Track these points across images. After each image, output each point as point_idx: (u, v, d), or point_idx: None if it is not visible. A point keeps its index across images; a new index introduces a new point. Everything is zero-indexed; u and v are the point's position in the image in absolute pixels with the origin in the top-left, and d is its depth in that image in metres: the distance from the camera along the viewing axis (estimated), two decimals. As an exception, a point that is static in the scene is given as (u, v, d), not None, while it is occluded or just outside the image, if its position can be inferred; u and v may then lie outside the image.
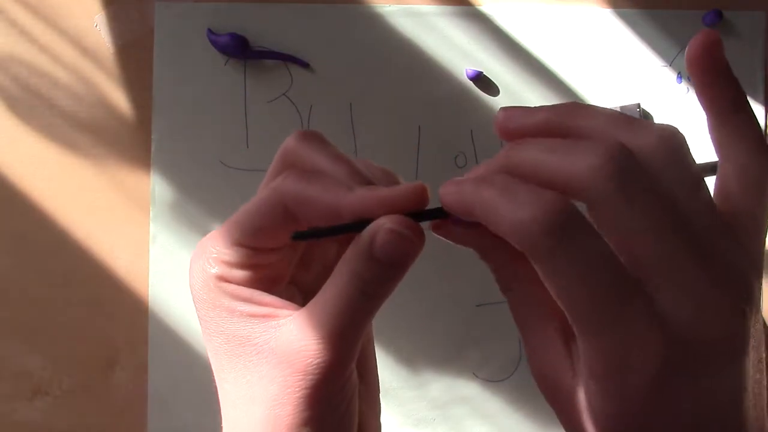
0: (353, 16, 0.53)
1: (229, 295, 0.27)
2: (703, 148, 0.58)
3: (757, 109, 0.54)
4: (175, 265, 0.52)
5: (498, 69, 0.54)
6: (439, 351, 0.53)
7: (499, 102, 0.54)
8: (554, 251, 0.21)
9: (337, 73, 0.53)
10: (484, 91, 0.54)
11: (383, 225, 0.24)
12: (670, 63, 0.54)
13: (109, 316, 0.52)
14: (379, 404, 0.30)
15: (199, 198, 0.53)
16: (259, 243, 0.27)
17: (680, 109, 0.54)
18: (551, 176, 0.22)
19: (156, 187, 0.52)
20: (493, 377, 0.54)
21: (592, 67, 0.54)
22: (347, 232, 0.26)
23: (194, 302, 0.28)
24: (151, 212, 0.52)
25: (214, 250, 0.27)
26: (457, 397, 0.53)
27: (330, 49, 0.53)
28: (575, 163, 0.21)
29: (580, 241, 0.21)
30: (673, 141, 0.23)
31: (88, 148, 0.52)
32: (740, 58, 0.55)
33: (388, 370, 0.53)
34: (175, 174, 0.53)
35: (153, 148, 0.52)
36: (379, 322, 0.54)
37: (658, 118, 0.54)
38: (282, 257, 0.28)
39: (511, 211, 0.21)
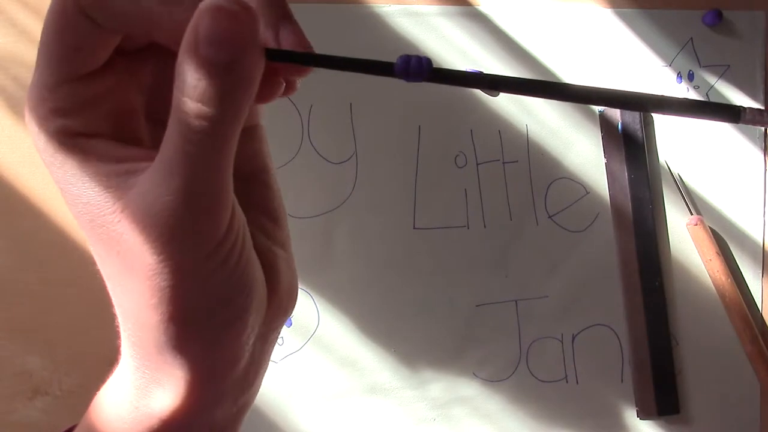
0: (353, 16, 0.53)
1: (73, 150, 0.21)
2: (703, 148, 0.58)
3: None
4: (175, 265, 0.52)
5: (498, 69, 0.54)
6: (439, 351, 0.53)
7: (499, 102, 0.54)
8: None
9: (337, 73, 0.53)
10: (484, 91, 0.54)
11: (201, 6, 0.19)
12: (670, 63, 0.54)
13: (109, 316, 0.52)
14: (289, 236, 0.26)
15: (199, 198, 0.53)
16: (81, 66, 0.22)
17: (680, 109, 0.54)
18: None
19: (156, 187, 0.52)
20: (493, 377, 0.54)
21: (592, 67, 0.54)
22: (346, 68, 0.22)
23: (47, 168, 0.23)
24: (151, 212, 0.52)
25: (41, 100, 0.22)
26: (457, 397, 0.53)
27: (330, 49, 0.53)
28: None
29: None
30: None
31: (88, 148, 0.52)
32: (740, 58, 0.55)
33: (388, 370, 0.53)
34: (175, 174, 0.53)
35: (153, 148, 0.52)
36: (379, 322, 0.54)
37: (658, 119, 0.54)
38: (119, 81, 0.23)
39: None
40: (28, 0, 0.52)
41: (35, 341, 0.52)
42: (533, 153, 0.54)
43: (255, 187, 0.25)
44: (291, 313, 0.26)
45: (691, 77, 0.54)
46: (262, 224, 0.25)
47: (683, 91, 0.54)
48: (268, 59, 0.20)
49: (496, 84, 0.23)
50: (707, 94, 0.54)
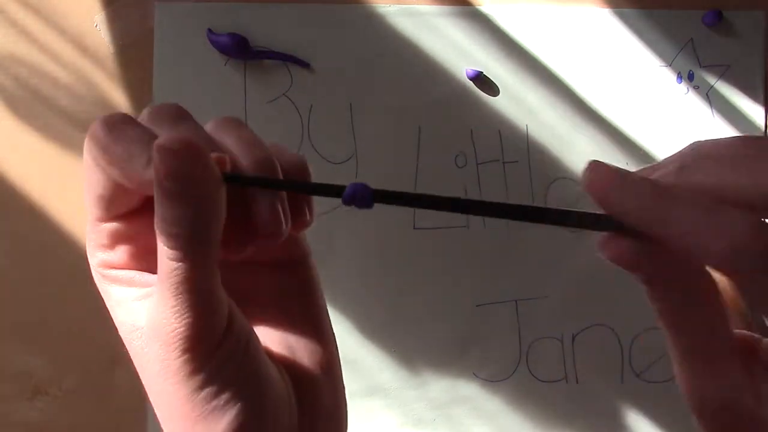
0: (353, 16, 0.53)
1: (110, 280, 0.27)
2: (703, 148, 0.57)
3: (757, 109, 0.54)
4: (175, 265, 0.52)
5: (498, 69, 0.54)
6: (439, 351, 0.53)
7: (499, 102, 0.54)
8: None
9: (337, 73, 0.53)
10: (484, 91, 0.54)
11: (154, 148, 0.22)
12: (670, 63, 0.54)
13: (109, 316, 0.52)
14: (337, 364, 0.28)
15: (199, 198, 0.53)
16: (112, 209, 0.26)
17: (680, 109, 0.54)
18: (737, 194, 0.21)
19: (156, 187, 0.52)
20: (493, 377, 0.54)
21: (591, 67, 0.54)
22: (285, 188, 0.26)
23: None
24: (151, 212, 0.52)
25: (91, 237, 0.26)
26: (457, 397, 0.53)
27: (330, 49, 0.53)
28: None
29: None
30: None
31: (88, 148, 0.52)
32: (740, 58, 0.55)
33: (388, 370, 0.53)
34: (175, 174, 0.53)
35: (153, 148, 0.53)
36: (379, 322, 0.54)
37: (658, 118, 0.54)
38: (149, 224, 0.26)
39: (723, 234, 0.20)
40: (28, 0, 0.52)
41: (35, 341, 0.52)
42: (533, 153, 0.54)
43: (302, 313, 0.28)
44: None
45: (691, 77, 0.54)
46: (305, 345, 0.28)
47: (683, 91, 0.54)
48: (227, 182, 0.24)
49: (439, 204, 0.23)
50: (707, 94, 0.54)
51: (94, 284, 0.52)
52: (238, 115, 0.53)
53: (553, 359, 0.54)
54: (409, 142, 0.53)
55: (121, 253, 0.27)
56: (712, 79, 0.55)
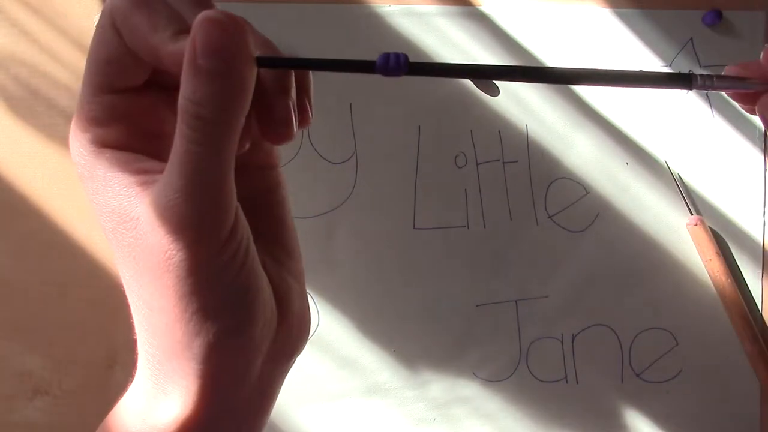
0: (353, 16, 0.53)
1: (106, 161, 0.24)
2: (702, 148, 0.58)
3: (757, 109, 0.54)
4: (175, 265, 0.52)
5: (498, 69, 0.54)
6: (439, 351, 0.53)
7: (499, 102, 0.54)
8: None
9: (337, 74, 0.53)
10: (484, 91, 0.54)
11: (196, 20, 0.21)
12: (670, 63, 0.54)
13: (109, 316, 0.52)
14: (302, 271, 0.28)
15: (199, 198, 0.53)
16: (116, 79, 0.24)
17: (680, 109, 0.54)
18: None
19: (156, 187, 0.52)
20: (493, 377, 0.54)
21: (591, 67, 0.54)
22: (323, 68, 0.25)
23: (80, 180, 0.25)
24: (151, 212, 0.52)
25: (83, 111, 0.24)
26: (457, 397, 0.53)
27: (330, 49, 0.53)
28: None
29: None
30: None
31: (88, 148, 0.52)
32: (740, 58, 0.54)
33: (388, 370, 0.53)
34: (175, 174, 0.53)
35: (153, 148, 0.52)
36: (379, 322, 0.54)
37: (658, 119, 0.54)
38: (153, 105, 0.25)
39: None
40: (28, 0, 0.52)
41: (35, 341, 0.52)
42: (533, 153, 0.54)
43: (270, 221, 0.27)
44: (303, 346, 0.28)
45: (691, 77, 0.54)
46: (276, 254, 0.27)
47: (683, 91, 0.54)
48: (259, 66, 0.23)
49: (475, 73, 0.27)
50: (707, 94, 0.54)
51: (94, 284, 0.52)
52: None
53: (553, 359, 0.54)
54: (409, 142, 0.53)
55: (118, 131, 0.24)
56: (712, 79, 0.55)
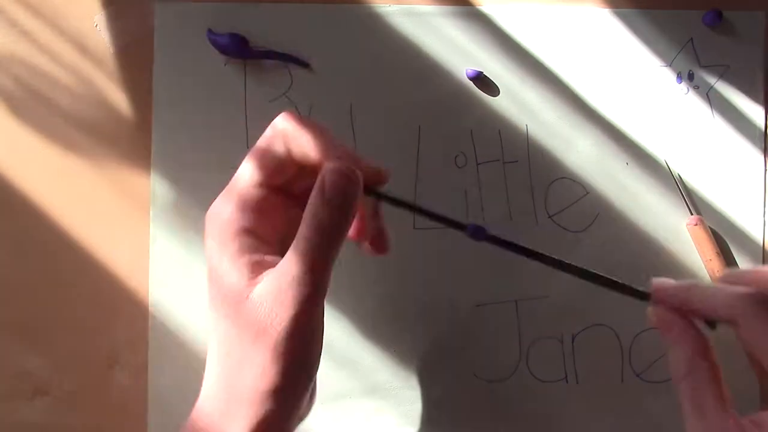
0: (353, 16, 0.53)
1: (238, 244, 0.32)
2: (702, 148, 0.58)
3: (757, 109, 0.54)
4: (175, 265, 0.52)
5: (498, 69, 0.54)
6: (439, 351, 0.53)
7: (499, 102, 0.54)
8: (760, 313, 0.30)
9: (337, 73, 0.53)
10: (484, 91, 0.54)
11: (327, 167, 0.33)
12: (670, 63, 0.54)
13: (109, 316, 0.52)
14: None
15: (199, 198, 0.53)
16: (272, 177, 0.34)
17: (680, 109, 0.55)
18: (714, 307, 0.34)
19: (156, 187, 0.52)
20: (493, 377, 0.54)
21: (591, 67, 0.54)
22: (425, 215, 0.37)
23: (206, 251, 0.34)
24: (151, 212, 0.52)
25: (233, 190, 0.34)
26: (457, 397, 0.53)
27: (330, 49, 0.53)
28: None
29: None
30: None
31: (88, 148, 0.52)
32: (740, 58, 0.55)
33: (388, 370, 0.53)
34: (175, 174, 0.53)
35: (153, 148, 0.53)
36: (379, 322, 0.54)
37: (658, 119, 0.54)
38: (284, 205, 0.35)
39: (724, 292, 0.32)
40: (28, 0, 0.52)
41: (35, 341, 0.52)
42: (533, 153, 0.54)
43: None
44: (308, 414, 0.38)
45: (691, 77, 0.54)
46: None
47: (683, 91, 0.55)
48: (366, 194, 0.35)
49: (537, 255, 0.38)
50: (707, 94, 0.54)
51: (94, 284, 0.53)
52: (238, 115, 0.53)
53: (553, 359, 0.54)
54: (409, 142, 0.53)
55: (253, 217, 0.33)
56: (712, 79, 0.55)
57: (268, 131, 0.35)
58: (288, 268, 0.31)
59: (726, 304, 0.32)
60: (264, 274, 0.32)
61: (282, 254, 0.33)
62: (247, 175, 0.34)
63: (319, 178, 0.32)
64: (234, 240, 0.33)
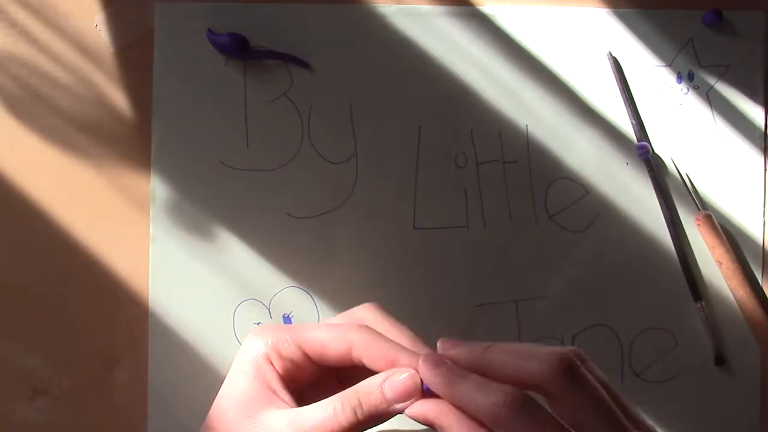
0: (353, 16, 0.53)
1: (268, 375, 0.36)
2: (703, 148, 0.58)
3: (757, 109, 0.54)
4: (175, 266, 0.52)
5: (498, 69, 0.54)
6: (439, 351, 0.53)
7: (499, 102, 0.54)
8: (518, 423, 0.31)
9: (337, 73, 0.53)
10: (484, 92, 0.54)
11: (402, 371, 0.37)
12: (670, 63, 0.54)
13: (109, 316, 0.52)
14: None
15: (199, 198, 0.53)
16: (316, 357, 0.37)
17: (679, 109, 0.54)
18: (515, 373, 0.34)
19: (156, 187, 0.52)
20: (493, 377, 0.53)
21: (591, 67, 0.54)
22: None
23: (235, 364, 0.37)
24: (151, 212, 0.52)
25: (284, 338, 0.37)
26: (457, 397, 0.53)
27: (330, 49, 0.53)
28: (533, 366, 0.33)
29: (537, 415, 0.32)
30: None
31: (88, 149, 0.52)
32: (740, 59, 0.55)
33: (388, 370, 0.53)
34: (175, 174, 0.53)
35: (153, 148, 0.53)
36: (379, 322, 0.54)
37: (658, 119, 0.54)
38: (322, 373, 0.39)
39: (486, 399, 0.32)
40: (28, 0, 0.52)
41: (35, 341, 0.52)
42: (533, 153, 0.54)
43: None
44: None
45: (691, 77, 0.54)
46: None
47: (683, 91, 0.55)
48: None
49: None
50: (707, 94, 0.54)
51: (94, 284, 0.53)
52: (238, 115, 0.53)
53: (553, 359, 0.54)
54: (409, 142, 0.53)
55: (287, 367, 0.37)
56: (712, 80, 0.55)
57: (343, 329, 0.38)
58: (322, 416, 0.35)
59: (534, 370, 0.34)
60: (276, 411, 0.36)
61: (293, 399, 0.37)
62: (314, 339, 0.37)
63: (378, 381, 0.36)
64: (268, 375, 0.37)
